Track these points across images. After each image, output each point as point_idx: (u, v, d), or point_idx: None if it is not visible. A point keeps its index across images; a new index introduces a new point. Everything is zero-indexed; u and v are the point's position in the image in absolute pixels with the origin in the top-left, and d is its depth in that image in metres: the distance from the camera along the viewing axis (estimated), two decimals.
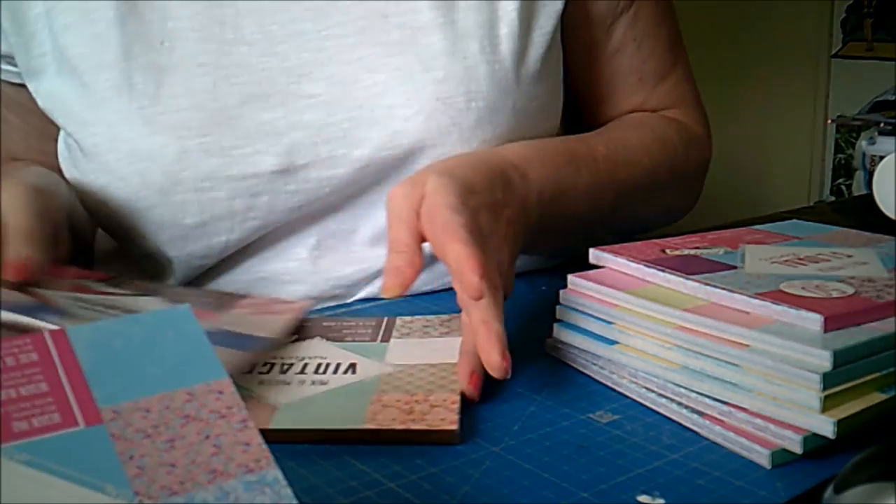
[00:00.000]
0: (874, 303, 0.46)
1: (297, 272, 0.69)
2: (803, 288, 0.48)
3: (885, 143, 1.00)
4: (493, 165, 0.61)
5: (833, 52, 2.56)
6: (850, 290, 0.48)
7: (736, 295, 0.48)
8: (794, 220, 0.65)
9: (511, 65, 0.67)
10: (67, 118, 0.67)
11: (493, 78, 0.67)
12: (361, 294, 0.70)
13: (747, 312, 0.47)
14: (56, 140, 0.72)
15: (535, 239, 0.65)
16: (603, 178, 0.69)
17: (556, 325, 0.56)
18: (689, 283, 0.50)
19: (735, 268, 0.52)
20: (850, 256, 0.55)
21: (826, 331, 0.44)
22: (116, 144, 0.65)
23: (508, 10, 0.68)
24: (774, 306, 0.46)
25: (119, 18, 0.66)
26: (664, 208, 0.79)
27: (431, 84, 0.66)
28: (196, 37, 0.66)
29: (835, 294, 0.47)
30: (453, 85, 0.66)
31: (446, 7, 0.67)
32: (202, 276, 0.71)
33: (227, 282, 0.70)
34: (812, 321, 0.44)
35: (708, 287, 0.49)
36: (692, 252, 0.55)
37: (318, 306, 0.68)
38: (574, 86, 0.78)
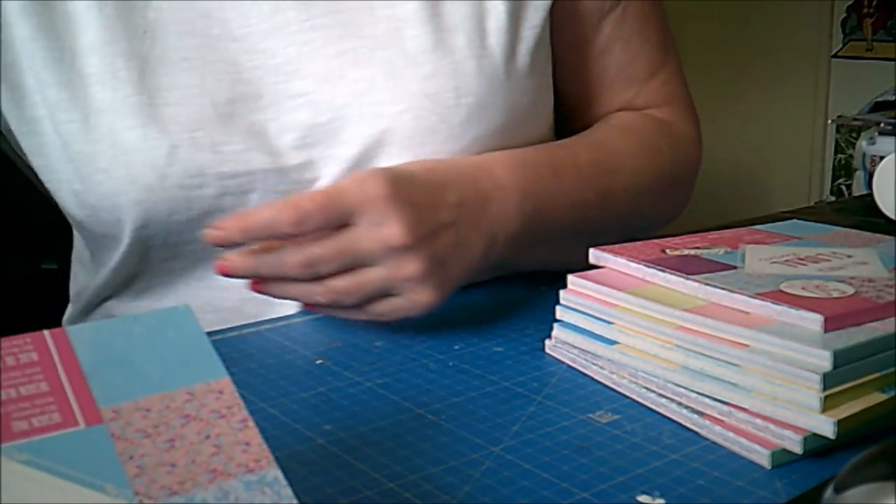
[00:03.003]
0: (874, 303, 0.46)
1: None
2: (803, 288, 0.48)
3: (885, 143, 1.00)
4: (461, 170, 0.61)
5: (833, 52, 2.56)
6: (851, 291, 0.48)
7: (736, 295, 0.48)
8: (794, 220, 0.65)
9: (500, 59, 0.66)
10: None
11: (483, 73, 0.65)
12: None
13: (747, 312, 0.47)
14: None
15: (521, 251, 0.64)
16: (587, 185, 0.67)
17: (556, 325, 0.56)
18: (689, 283, 0.50)
19: (735, 268, 0.52)
20: (850, 256, 0.54)
21: (826, 331, 0.44)
22: (96, 135, 0.62)
23: (496, 3, 0.67)
24: (774, 306, 0.46)
25: (97, 3, 0.63)
26: (651, 215, 0.77)
27: (419, 80, 0.64)
28: (179, 30, 0.65)
29: (835, 294, 0.47)
30: (441, 81, 0.64)
31: None
32: (191, 288, 0.69)
33: (220, 298, 0.68)
34: (812, 321, 0.44)
35: (708, 287, 0.49)
36: (692, 252, 0.55)
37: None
38: (561, 85, 0.77)
